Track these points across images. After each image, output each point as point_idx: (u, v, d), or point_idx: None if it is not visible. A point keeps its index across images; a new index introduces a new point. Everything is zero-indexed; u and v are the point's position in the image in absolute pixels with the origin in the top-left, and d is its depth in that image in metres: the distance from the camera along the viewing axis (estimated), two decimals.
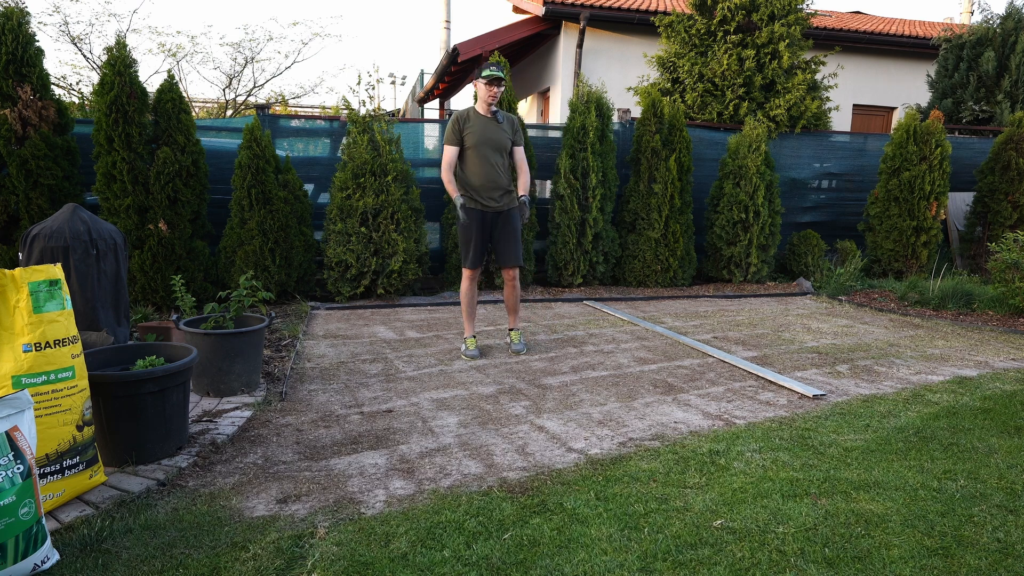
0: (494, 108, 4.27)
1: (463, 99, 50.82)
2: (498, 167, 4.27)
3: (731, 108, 8.24)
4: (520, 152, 4.43)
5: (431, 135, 7.58)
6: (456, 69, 12.08)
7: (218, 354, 3.44)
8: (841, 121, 12.09)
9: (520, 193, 4.39)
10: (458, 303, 6.43)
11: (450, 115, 7.70)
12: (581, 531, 2.17)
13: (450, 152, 4.23)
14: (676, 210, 7.26)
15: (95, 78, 13.96)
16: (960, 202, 8.88)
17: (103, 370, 2.74)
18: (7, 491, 1.84)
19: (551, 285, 7.35)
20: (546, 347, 4.72)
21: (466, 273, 4.38)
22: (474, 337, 4.49)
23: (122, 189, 5.51)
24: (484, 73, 4.19)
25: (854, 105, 12.64)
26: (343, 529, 2.18)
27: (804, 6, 8.45)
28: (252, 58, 15.88)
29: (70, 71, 19.85)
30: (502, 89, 4.23)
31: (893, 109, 13.00)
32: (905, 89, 12.61)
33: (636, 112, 8.57)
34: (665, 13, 9.37)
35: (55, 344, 2.27)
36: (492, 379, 3.94)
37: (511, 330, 4.65)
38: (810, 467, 2.69)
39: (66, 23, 13.85)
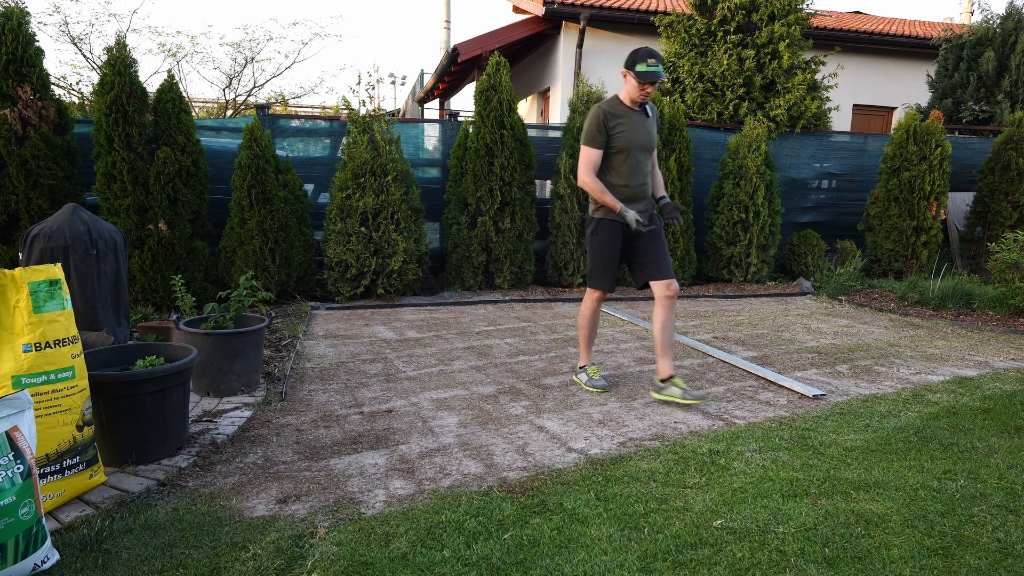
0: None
1: (463, 99, 50.81)
2: (647, 174, 3.57)
3: (731, 108, 8.24)
4: (655, 154, 3.70)
5: (431, 135, 7.58)
6: (456, 69, 12.08)
7: (218, 354, 3.44)
8: (841, 121, 12.09)
9: (660, 194, 3.70)
10: (458, 303, 6.42)
11: (451, 116, 7.76)
12: (581, 531, 2.17)
13: (594, 156, 3.45)
14: None
15: (95, 78, 13.97)
16: (960, 202, 8.89)
17: (103, 370, 2.74)
18: (7, 491, 1.84)
19: (551, 285, 7.35)
20: (546, 347, 4.72)
21: (596, 294, 3.70)
22: (595, 365, 3.85)
23: (122, 189, 5.51)
24: (639, 68, 3.30)
25: (854, 105, 12.64)
26: (343, 529, 2.18)
27: (804, 6, 8.45)
28: (252, 58, 15.88)
29: (70, 71, 19.87)
30: (655, 87, 3.41)
31: (893, 109, 13.00)
32: (905, 89, 12.61)
33: None
34: (665, 13, 9.37)
35: (55, 344, 2.27)
36: (492, 379, 3.93)
37: (670, 378, 3.48)
38: (810, 467, 2.69)
39: (66, 23, 13.86)
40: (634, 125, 3.45)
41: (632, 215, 3.38)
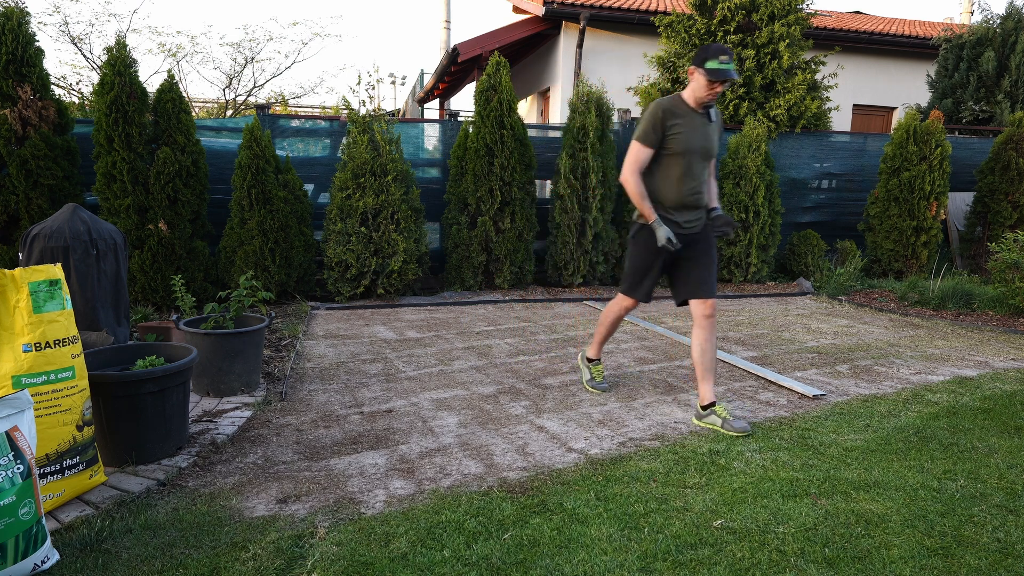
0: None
1: (463, 99, 50.78)
2: (702, 182, 3.22)
3: (731, 108, 8.24)
4: (714, 162, 3.35)
5: (431, 135, 7.58)
6: (456, 69, 12.08)
7: (218, 354, 3.44)
8: (841, 121, 12.09)
9: (713, 204, 3.35)
10: (458, 303, 6.42)
11: (451, 116, 7.75)
12: (581, 531, 2.17)
13: (644, 155, 3.16)
14: None
15: (95, 78, 13.97)
16: (960, 202, 8.89)
17: (103, 370, 2.74)
18: (7, 491, 1.84)
19: (551, 285, 7.35)
20: (546, 347, 4.72)
21: (628, 303, 3.43)
22: (602, 365, 3.76)
23: (122, 189, 5.51)
24: (710, 65, 2.99)
25: (854, 105, 12.64)
26: (343, 529, 2.18)
27: (804, 6, 8.45)
28: (252, 58, 15.89)
29: (70, 71, 19.88)
30: (726, 87, 3.00)
31: (893, 109, 13.00)
32: (905, 89, 12.61)
33: (636, 112, 8.58)
34: (665, 13, 9.37)
35: (55, 344, 2.27)
36: (492, 379, 3.93)
37: (712, 404, 3.20)
38: (810, 467, 2.69)
39: (66, 23, 13.86)
40: (694, 128, 3.13)
41: (663, 232, 3.11)
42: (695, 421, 3.25)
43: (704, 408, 3.21)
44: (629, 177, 3.18)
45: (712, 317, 3.23)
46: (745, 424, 3.08)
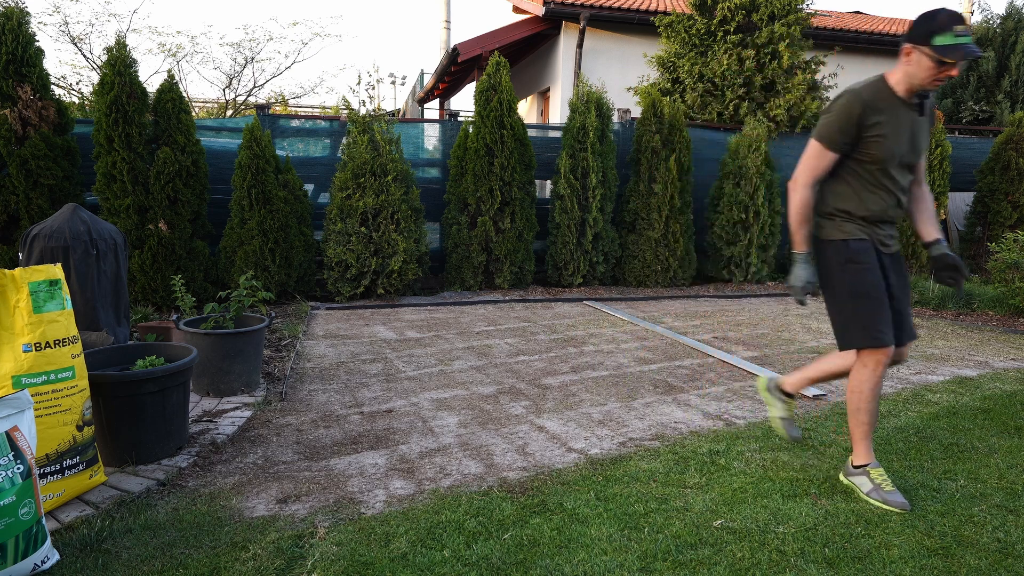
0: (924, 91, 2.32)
1: (463, 99, 50.73)
2: (903, 190, 2.43)
3: (731, 108, 8.24)
4: (923, 162, 2.52)
5: (431, 135, 7.58)
6: (456, 69, 12.08)
7: (218, 354, 3.44)
8: None
9: (933, 236, 2.51)
10: (458, 303, 6.42)
11: (451, 116, 7.75)
12: (581, 531, 2.17)
13: (824, 162, 2.41)
14: (676, 210, 7.26)
15: (95, 78, 13.98)
16: (960, 202, 8.89)
17: (103, 370, 2.74)
18: (7, 491, 1.84)
19: (551, 285, 7.35)
20: (546, 347, 4.72)
21: (877, 356, 2.33)
22: (881, 468, 2.45)
23: (122, 189, 5.51)
24: (940, 40, 2.14)
25: None
26: (343, 529, 2.18)
27: (804, 6, 8.45)
28: (252, 58, 15.91)
29: (70, 71, 19.91)
30: (961, 69, 2.27)
31: None
32: None
33: (636, 112, 8.58)
34: (665, 13, 9.38)
35: (55, 344, 2.27)
36: (492, 379, 3.93)
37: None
38: (810, 467, 2.69)
39: (66, 23, 13.87)
40: (899, 127, 2.31)
41: (801, 277, 2.41)
42: (761, 388, 2.85)
43: (785, 393, 2.77)
44: (797, 188, 2.45)
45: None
46: (798, 432, 2.72)
